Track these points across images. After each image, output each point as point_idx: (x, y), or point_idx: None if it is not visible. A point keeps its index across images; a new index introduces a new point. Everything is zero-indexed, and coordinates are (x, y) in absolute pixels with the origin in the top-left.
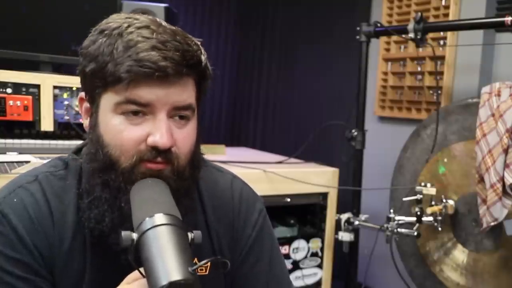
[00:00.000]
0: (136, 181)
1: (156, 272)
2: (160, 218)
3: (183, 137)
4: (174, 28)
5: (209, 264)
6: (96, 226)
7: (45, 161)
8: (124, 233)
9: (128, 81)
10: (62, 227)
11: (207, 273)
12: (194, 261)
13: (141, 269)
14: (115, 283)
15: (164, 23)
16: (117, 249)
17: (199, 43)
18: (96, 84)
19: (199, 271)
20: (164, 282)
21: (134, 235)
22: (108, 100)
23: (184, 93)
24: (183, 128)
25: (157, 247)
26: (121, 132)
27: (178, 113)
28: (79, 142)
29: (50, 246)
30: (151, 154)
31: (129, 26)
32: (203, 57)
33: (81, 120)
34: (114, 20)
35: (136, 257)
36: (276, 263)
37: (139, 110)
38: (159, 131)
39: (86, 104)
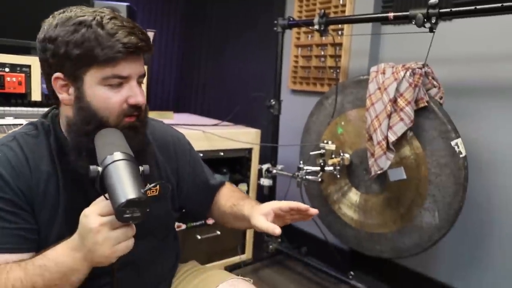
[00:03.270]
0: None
1: (116, 194)
2: (118, 155)
3: (143, 95)
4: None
5: (158, 187)
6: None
7: None
8: (92, 167)
9: (117, 60)
10: (37, 172)
11: (157, 194)
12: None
13: (106, 195)
14: (82, 210)
15: (121, 15)
16: (87, 180)
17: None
18: (80, 64)
19: (151, 192)
20: (123, 200)
21: (99, 168)
22: (93, 75)
23: (143, 65)
24: (142, 89)
25: (117, 176)
26: (108, 98)
27: (140, 80)
28: None
29: (29, 187)
30: (131, 110)
31: (102, 18)
32: None
33: None
34: (85, 14)
35: (101, 186)
36: (204, 166)
37: (121, 82)
38: (137, 94)
39: (62, 82)
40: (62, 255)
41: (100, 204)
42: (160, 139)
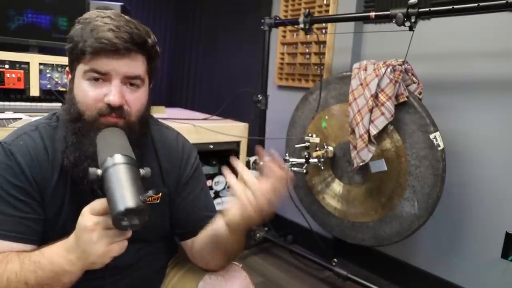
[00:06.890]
0: (97, 130)
1: (115, 201)
2: (118, 158)
3: (133, 99)
4: (130, 19)
5: (161, 195)
6: (72, 166)
7: (33, 119)
8: (91, 169)
9: (90, 53)
10: (54, 163)
11: (159, 201)
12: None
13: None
14: (85, 205)
15: (124, 16)
16: (80, 181)
17: (150, 31)
18: (72, 58)
19: (152, 200)
20: (121, 208)
21: (99, 171)
22: (79, 69)
23: (133, 66)
24: (134, 93)
25: (116, 181)
26: (86, 92)
27: (129, 81)
28: (58, 104)
29: (44, 178)
30: (107, 110)
31: (97, 17)
32: (150, 40)
33: (59, 88)
34: (89, 14)
35: (100, 187)
36: (205, 191)
37: (99, 77)
38: (112, 92)
39: (70, 75)
40: (56, 255)
41: (96, 203)
42: (170, 147)
